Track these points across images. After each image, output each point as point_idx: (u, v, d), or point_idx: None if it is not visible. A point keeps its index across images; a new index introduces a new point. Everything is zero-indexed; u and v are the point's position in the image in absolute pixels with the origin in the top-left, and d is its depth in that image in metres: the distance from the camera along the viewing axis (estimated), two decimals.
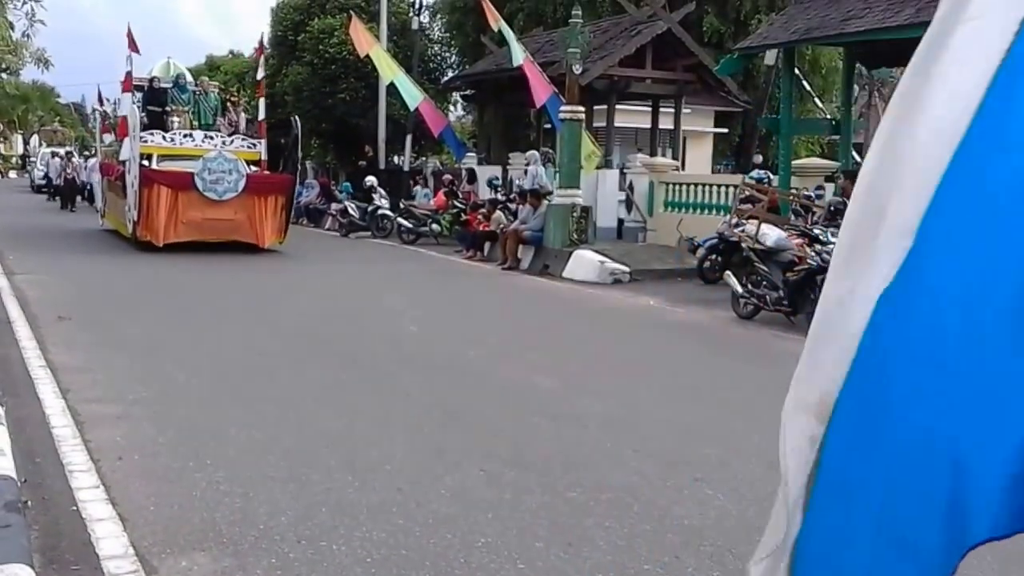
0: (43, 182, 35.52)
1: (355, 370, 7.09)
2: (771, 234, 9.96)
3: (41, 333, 7.82)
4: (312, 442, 5.03)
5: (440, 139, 22.59)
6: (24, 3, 23.90)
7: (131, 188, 15.12)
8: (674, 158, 19.62)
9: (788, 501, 1.35)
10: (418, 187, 21.05)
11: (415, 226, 18.25)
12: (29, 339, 7.55)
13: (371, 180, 20.64)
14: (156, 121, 16.21)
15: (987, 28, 1.21)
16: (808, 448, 1.33)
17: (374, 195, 19.95)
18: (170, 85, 17.15)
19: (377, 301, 10.94)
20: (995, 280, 1.20)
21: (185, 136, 15.97)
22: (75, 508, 3.93)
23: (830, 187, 13.13)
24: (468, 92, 25.99)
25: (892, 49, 12.68)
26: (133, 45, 16.47)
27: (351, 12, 22.75)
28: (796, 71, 16.49)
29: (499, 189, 18.08)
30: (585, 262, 13.39)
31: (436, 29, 30.85)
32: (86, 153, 36.70)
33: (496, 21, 17.27)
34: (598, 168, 17.03)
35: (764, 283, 9.86)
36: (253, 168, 15.93)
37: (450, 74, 28.18)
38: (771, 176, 14.32)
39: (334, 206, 21.54)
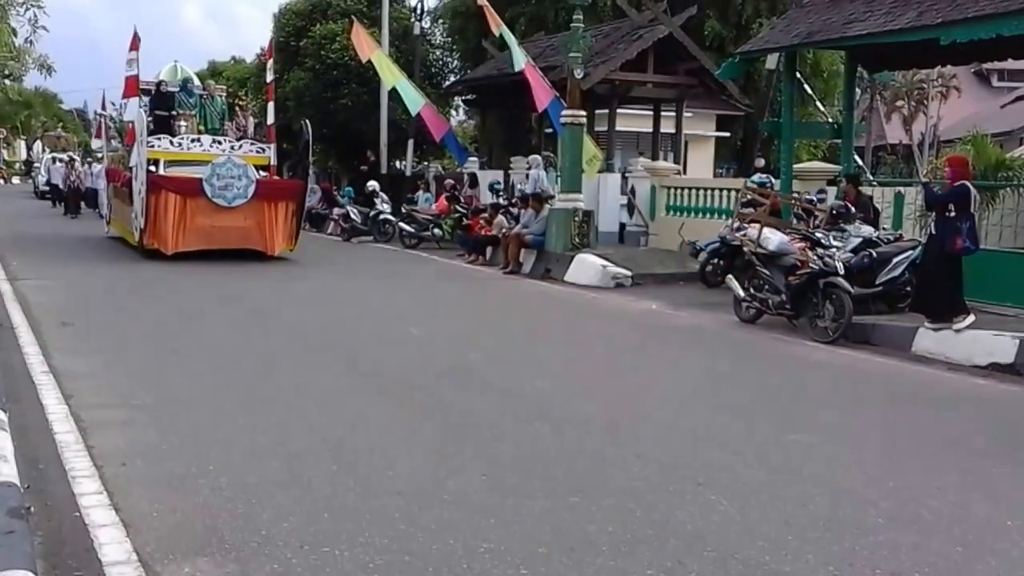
0: (46, 188, 35.52)
1: (357, 375, 7.10)
2: (773, 238, 9.96)
3: (44, 339, 7.83)
4: (315, 447, 5.03)
5: (442, 144, 22.59)
6: (27, 9, 23.98)
7: (138, 195, 14.81)
8: (676, 162, 19.59)
9: None
10: (420, 191, 21.06)
11: (417, 230, 18.26)
12: (32, 345, 7.57)
13: (373, 185, 20.70)
14: (163, 126, 16.04)
15: None
16: None
17: (376, 200, 19.99)
18: (177, 89, 17.08)
19: (379, 305, 10.95)
20: None
21: (193, 141, 15.73)
22: (78, 514, 3.93)
23: (832, 191, 13.10)
24: (470, 97, 25.98)
25: (894, 53, 12.68)
26: (135, 44, 16.22)
27: (353, 17, 22.77)
28: (797, 75, 16.49)
29: (501, 193, 18.08)
30: (587, 266, 13.40)
31: (437, 34, 30.87)
32: (89, 159, 36.71)
33: (497, 26, 17.28)
34: (600, 172, 17.06)
35: (766, 287, 9.86)
36: (262, 173, 15.66)
37: (451, 79, 28.19)
38: (773, 180, 14.29)
39: (336, 211, 21.57)
